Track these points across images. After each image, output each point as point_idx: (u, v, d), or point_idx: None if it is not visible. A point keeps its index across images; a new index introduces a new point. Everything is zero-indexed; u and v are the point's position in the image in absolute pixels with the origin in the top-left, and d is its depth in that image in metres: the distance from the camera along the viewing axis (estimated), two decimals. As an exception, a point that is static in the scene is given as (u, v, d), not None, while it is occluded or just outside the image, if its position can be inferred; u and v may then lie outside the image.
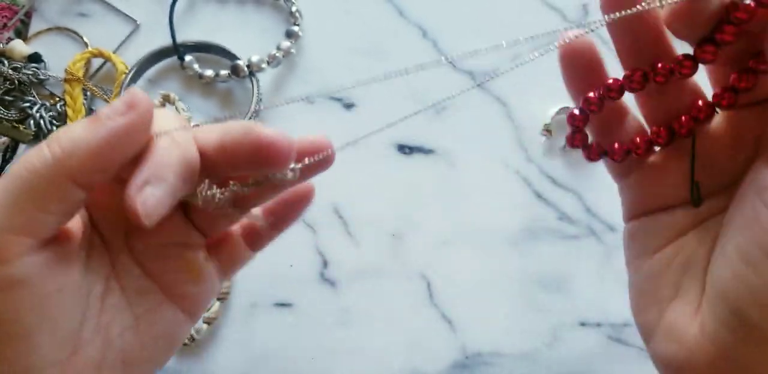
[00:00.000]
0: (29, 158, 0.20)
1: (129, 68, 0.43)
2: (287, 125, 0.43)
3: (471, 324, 0.40)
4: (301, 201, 0.27)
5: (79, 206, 0.21)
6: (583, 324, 0.40)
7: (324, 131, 0.46)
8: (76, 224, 0.23)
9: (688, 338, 0.23)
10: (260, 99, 0.43)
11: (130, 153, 0.21)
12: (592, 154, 0.26)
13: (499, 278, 0.41)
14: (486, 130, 0.43)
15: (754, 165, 0.23)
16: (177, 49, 0.43)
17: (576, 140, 0.27)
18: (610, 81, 0.25)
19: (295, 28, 0.44)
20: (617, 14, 0.22)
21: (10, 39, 0.44)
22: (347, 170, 0.43)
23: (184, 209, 0.25)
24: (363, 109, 0.43)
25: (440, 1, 0.45)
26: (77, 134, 0.20)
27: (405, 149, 0.43)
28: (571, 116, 0.26)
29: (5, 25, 0.44)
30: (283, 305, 0.41)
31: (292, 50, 0.44)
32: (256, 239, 0.28)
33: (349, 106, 0.43)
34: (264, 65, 0.43)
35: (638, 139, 0.26)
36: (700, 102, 0.24)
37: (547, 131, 0.42)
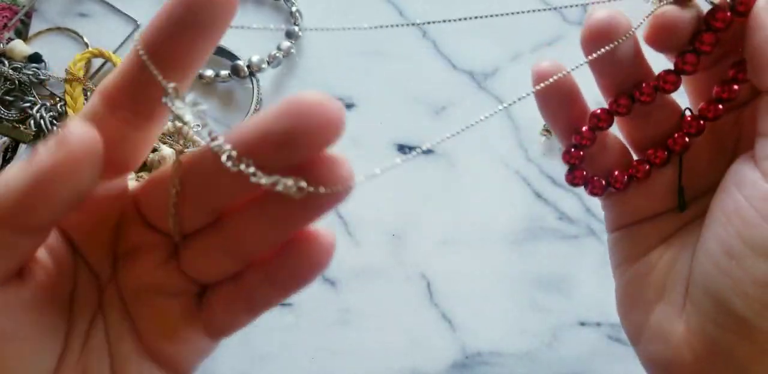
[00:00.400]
0: None
1: (129, 68, 0.43)
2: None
3: (471, 324, 0.40)
4: (314, 258, 0.20)
5: (29, 250, 0.19)
6: (582, 324, 0.40)
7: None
8: (42, 266, 0.20)
9: (674, 336, 0.24)
10: (260, 99, 0.43)
11: (68, 195, 0.17)
12: (596, 188, 0.26)
13: (499, 278, 0.41)
14: (486, 130, 0.43)
15: (734, 162, 0.23)
16: (177, 50, 0.43)
17: (577, 178, 0.26)
18: (598, 111, 0.25)
19: (296, 28, 0.44)
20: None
21: (10, 39, 0.44)
22: (347, 170, 0.43)
23: (173, 249, 0.21)
24: (363, 109, 0.43)
25: (440, 1, 0.45)
26: (9, 176, 0.17)
27: (405, 149, 0.43)
28: (567, 154, 0.26)
29: (5, 25, 0.44)
30: (283, 305, 0.41)
31: (293, 50, 0.44)
32: (252, 301, 0.21)
33: (349, 106, 0.43)
34: (264, 65, 0.43)
35: (636, 163, 0.26)
36: (689, 117, 0.25)
37: (547, 131, 0.42)
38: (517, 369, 0.39)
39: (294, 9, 0.44)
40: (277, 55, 0.43)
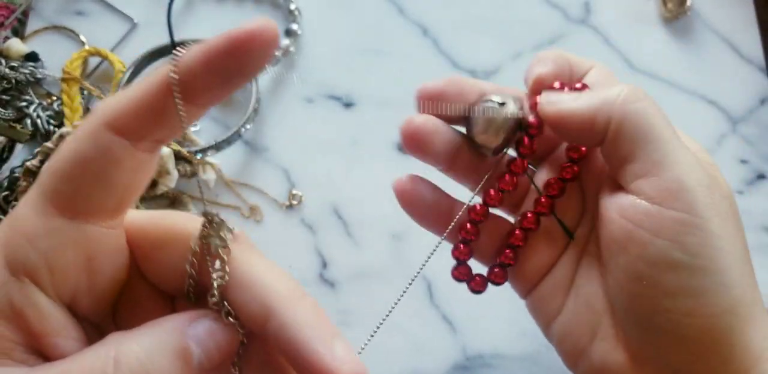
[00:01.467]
0: None
1: (126, 67, 0.42)
2: (286, 123, 0.43)
3: (472, 326, 0.40)
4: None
5: None
6: (585, 326, 0.40)
7: (324, 129, 0.45)
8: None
9: (619, 367, 0.25)
10: (259, 98, 0.43)
11: None
12: (477, 286, 0.29)
13: (501, 279, 0.40)
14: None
15: (602, 198, 0.25)
16: (175, 48, 0.43)
17: (462, 274, 0.29)
18: (477, 206, 0.27)
19: (294, 27, 0.43)
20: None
21: (7, 38, 0.44)
22: (347, 169, 0.42)
23: (172, 302, 0.23)
24: (362, 108, 0.43)
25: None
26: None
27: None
28: (456, 251, 0.28)
29: (2, 23, 0.44)
30: (282, 306, 0.40)
31: (291, 49, 0.43)
32: None
33: (348, 105, 0.43)
34: (263, 64, 0.42)
35: (517, 235, 0.27)
36: (551, 180, 0.27)
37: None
38: (518, 371, 0.39)
39: (293, 7, 0.44)
40: (276, 54, 0.43)
